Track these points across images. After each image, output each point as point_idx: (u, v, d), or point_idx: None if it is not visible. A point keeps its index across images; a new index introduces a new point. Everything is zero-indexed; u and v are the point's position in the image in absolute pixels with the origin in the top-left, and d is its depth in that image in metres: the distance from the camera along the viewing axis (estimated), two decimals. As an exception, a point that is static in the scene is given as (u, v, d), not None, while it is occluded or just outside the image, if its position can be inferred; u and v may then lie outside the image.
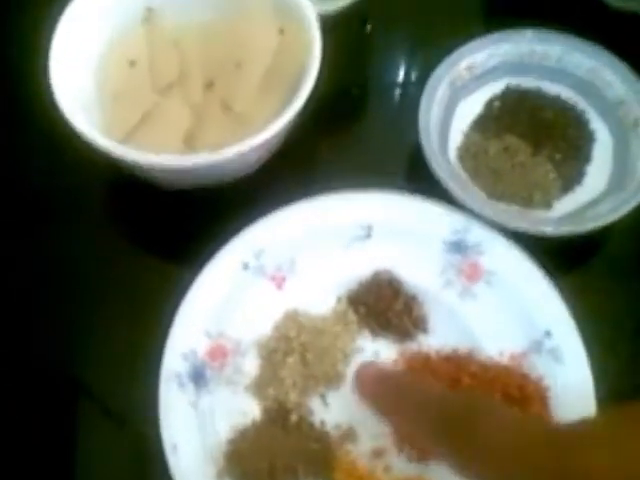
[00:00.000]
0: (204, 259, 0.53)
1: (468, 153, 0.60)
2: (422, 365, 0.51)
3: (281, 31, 0.58)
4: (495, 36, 0.61)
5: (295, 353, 0.51)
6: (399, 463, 0.49)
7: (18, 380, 0.54)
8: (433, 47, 0.64)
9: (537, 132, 0.60)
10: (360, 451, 0.49)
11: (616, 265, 0.58)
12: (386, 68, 0.68)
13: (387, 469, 0.49)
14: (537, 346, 0.51)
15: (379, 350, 0.53)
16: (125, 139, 0.55)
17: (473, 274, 0.54)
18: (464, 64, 0.60)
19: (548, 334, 0.51)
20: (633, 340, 0.55)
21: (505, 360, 0.51)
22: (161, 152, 0.51)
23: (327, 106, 0.58)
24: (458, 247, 0.54)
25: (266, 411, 0.50)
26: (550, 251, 0.53)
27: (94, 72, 0.57)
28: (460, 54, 0.60)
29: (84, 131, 0.51)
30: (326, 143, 0.62)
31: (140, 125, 0.57)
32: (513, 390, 0.49)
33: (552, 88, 0.62)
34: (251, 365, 0.52)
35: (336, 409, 0.51)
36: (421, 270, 0.54)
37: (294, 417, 0.50)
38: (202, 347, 0.51)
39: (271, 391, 0.50)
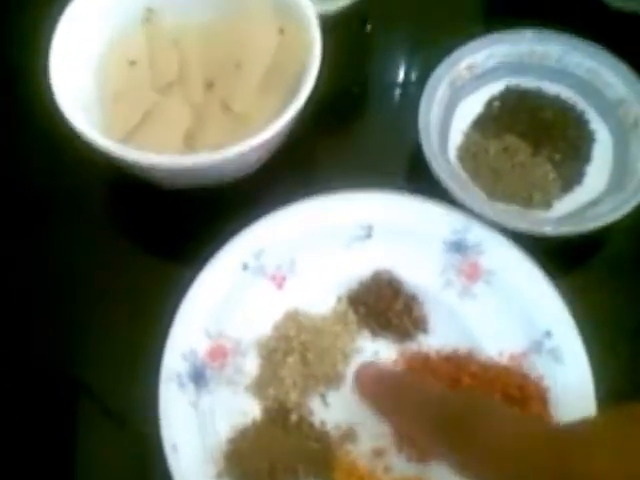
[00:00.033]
0: (204, 259, 0.53)
1: (468, 153, 0.60)
2: (422, 365, 0.51)
3: (281, 31, 0.58)
4: (495, 36, 0.61)
5: (295, 353, 0.51)
6: (399, 463, 0.49)
7: (18, 380, 0.54)
8: (433, 47, 0.64)
9: (537, 132, 0.60)
10: (360, 451, 0.49)
11: (616, 265, 0.58)
12: (386, 68, 0.68)
13: (387, 469, 0.49)
14: (537, 346, 0.51)
15: (379, 350, 0.53)
16: (125, 139, 0.55)
17: (473, 274, 0.54)
18: (464, 64, 0.60)
19: (548, 334, 0.51)
20: (633, 340, 0.55)
21: (505, 360, 0.51)
22: (161, 152, 0.51)
23: (327, 106, 0.58)
24: (458, 247, 0.54)
25: (266, 411, 0.50)
26: (550, 251, 0.53)
27: (94, 72, 0.57)
28: (460, 54, 0.60)
29: (84, 131, 0.51)
30: (326, 143, 0.62)
31: (140, 125, 0.57)
32: (513, 390, 0.49)
33: (552, 88, 0.62)
34: (251, 365, 0.52)
35: (336, 409, 0.51)
36: (421, 270, 0.54)
37: (294, 417, 0.50)
38: (202, 347, 0.51)
39: (271, 391, 0.50)
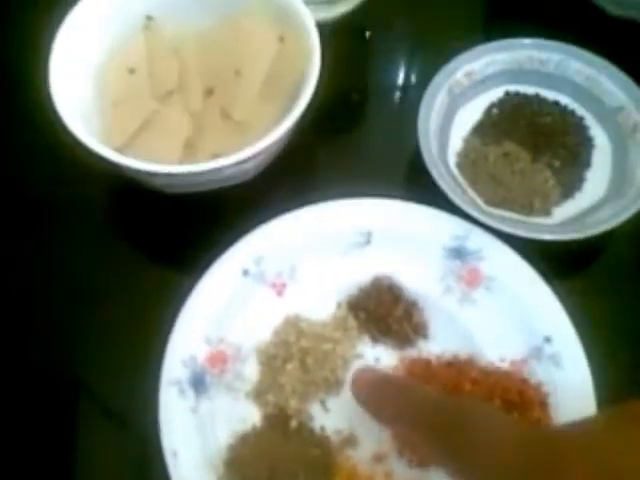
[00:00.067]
0: (204, 265, 0.53)
1: (467, 160, 0.60)
2: (422, 371, 0.51)
3: (281, 39, 0.58)
4: (494, 43, 0.61)
5: (295, 359, 0.51)
6: (400, 468, 0.49)
7: (18, 380, 0.54)
8: (432, 54, 0.64)
9: (536, 139, 0.60)
10: (361, 456, 0.49)
11: (616, 271, 0.58)
12: (385, 75, 0.68)
13: (388, 474, 0.49)
14: (537, 352, 0.51)
15: (379, 356, 0.53)
16: (125, 146, 0.56)
17: (473, 280, 0.54)
18: (463, 71, 0.60)
19: (548, 340, 0.51)
20: (633, 346, 0.55)
21: (505, 366, 0.51)
22: (161, 159, 0.51)
23: (326, 113, 0.58)
24: (458, 253, 0.54)
25: (266, 417, 0.50)
26: (550, 257, 0.53)
27: (94, 80, 0.57)
28: (459, 61, 0.60)
29: (83, 139, 0.51)
30: (325, 150, 0.63)
31: (140, 132, 0.57)
32: (513, 396, 0.49)
33: (551, 95, 0.62)
34: (251, 371, 0.52)
35: (336, 415, 0.51)
36: (421, 276, 0.54)
37: (294, 423, 0.49)
38: (202, 353, 0.51)
39: (271, 397, 0.50)
